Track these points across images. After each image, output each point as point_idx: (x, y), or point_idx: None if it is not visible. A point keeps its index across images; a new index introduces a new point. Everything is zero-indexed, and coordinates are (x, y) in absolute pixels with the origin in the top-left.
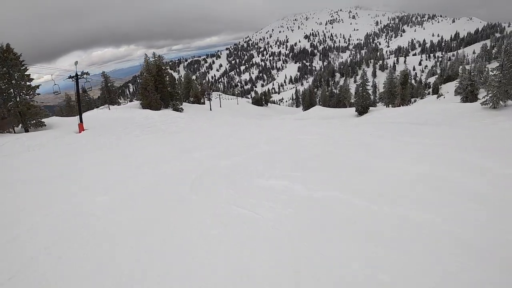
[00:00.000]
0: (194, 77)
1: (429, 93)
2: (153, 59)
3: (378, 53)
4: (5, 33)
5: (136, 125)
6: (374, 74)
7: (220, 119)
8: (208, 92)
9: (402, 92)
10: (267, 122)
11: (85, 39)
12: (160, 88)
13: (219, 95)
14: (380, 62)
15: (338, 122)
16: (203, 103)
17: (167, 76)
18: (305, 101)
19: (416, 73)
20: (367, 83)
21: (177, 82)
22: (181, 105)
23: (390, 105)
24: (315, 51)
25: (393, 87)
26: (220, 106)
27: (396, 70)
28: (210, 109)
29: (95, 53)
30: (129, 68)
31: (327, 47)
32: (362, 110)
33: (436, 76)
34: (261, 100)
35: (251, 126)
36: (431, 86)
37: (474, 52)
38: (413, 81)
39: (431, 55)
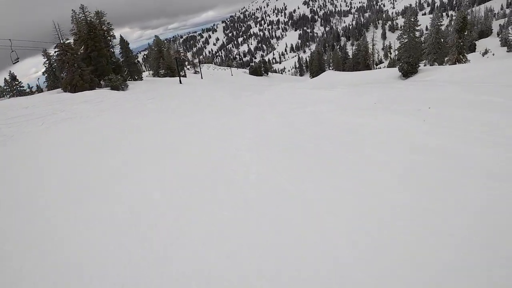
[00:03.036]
0: (177, 46)
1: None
2: (83, 14)
3: (384, 15)
4: None
5: None
6: (384, 36)
7: (181, 100)
8: (192, 62)
9: (460, 43)
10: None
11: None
12: (95, 57)
13: (208, 66)
14: (389, 23)
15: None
16: (183, 75)
17: (112, 39)
18: (313, 66)
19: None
20: (415, 29)
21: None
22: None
23: (435, 63)
24: (316, 17)
25: (441, 37)
26: (202, 78)
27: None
28: (180, 82)
29: None
30: None
31: (328, 12)
32: (409, 69)
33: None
34: (260, 70)
35: (226, 113)
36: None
37: (491, 10)
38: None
39: (444, 14)
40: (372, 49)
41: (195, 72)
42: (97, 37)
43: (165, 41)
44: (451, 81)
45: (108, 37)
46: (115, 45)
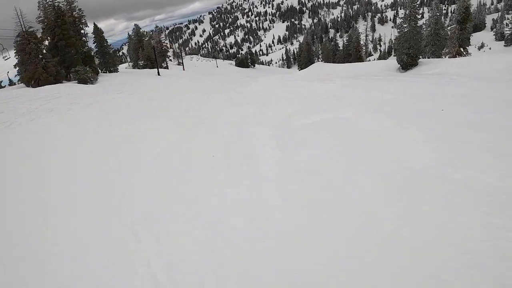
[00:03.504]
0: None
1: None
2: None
3: (373, 7)
4: None
5: None
6: (373, 29)
7: (149, 95)
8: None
9: (461, 34)
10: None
11: None
12: (63, 47)
13: (192, 57)
14: (379, 15)
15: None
16: (165, 67)
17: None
18: (302, 57)
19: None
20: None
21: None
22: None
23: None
24: (304, 8)
25: (441, 28)
26: (184, 69)
27: (397, 23)
28: (158, 74)
29: None
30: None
31: (316, 3)
32: (409, 61)
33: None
34: (246, 61)
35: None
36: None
37: (484, 3)
38: None
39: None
40: (366, 40)
41: (179, 64)
42: (65, 25)
43: (146, 32)
44: (462, 74)
45: (80, 25)
46: (88, 34)
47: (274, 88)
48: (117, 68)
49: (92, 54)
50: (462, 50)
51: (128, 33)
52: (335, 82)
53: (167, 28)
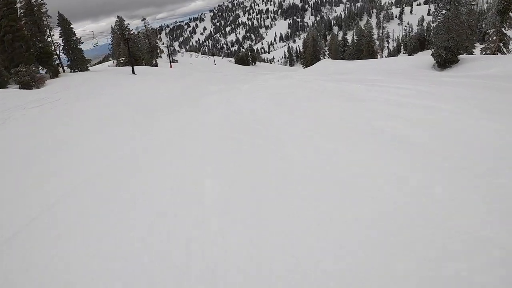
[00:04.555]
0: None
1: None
2: None
3: (377, 4)
4: None
5: None
6: (378, 26)
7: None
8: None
9: (501, 27)
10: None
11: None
12: (10, 42)
13: (191, 55)
14: (384, 12)
15: None
16: (155, 64)
17: (47, 18)
18: (307, 54)
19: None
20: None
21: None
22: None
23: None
24: (306, 6)
25: (474, 19)
26: (171, 67)
27: (403, 20)
28: (133, 73)
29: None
30: None
31: (319, 1)
32: (448, 58)
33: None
34: (247, 58)
35: None
36: None
37: None
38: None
39: (440, 4)
40: (382, 33)
41: (172, 61)
42: (13, 14)
43: (128, 27)
44: None
45: (40, 15)
46: (52, 27)
47: (299, 98)
48: (87, 67)
49: (52, 50)
50: (502, 46)
51: (112, 26)
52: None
53: (168, 26)
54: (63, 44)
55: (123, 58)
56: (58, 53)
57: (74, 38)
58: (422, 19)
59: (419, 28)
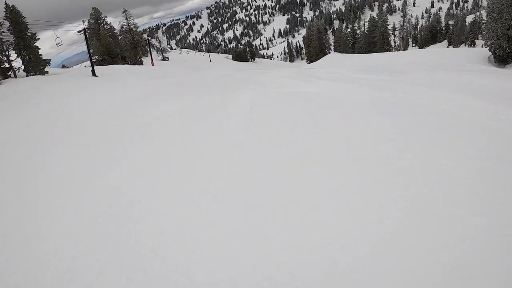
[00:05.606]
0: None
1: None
2: None
3: None
4: None
5: None
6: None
7: None
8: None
9: None
10: None
11: (53, 17)
12: None
13: (188, 51)
14: (386, 4)
15: None
16: (140, 62)
17: None
18: (312, 48)
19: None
20: None
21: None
22: None
23: None
24: (305, 0)
25: None
26: (153, 65)
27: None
28: (94, 75)
29: (72, 32)
30: None
31: None
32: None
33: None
34: (245, 54)
35: None
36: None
37: None
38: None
39: None
40: (403, 21)
41: (164, 59)
42: None
43: (106, 22)
44: None
45: None
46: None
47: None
48: (43, 68)
49: None
50: None
51: (86, 20)
52: None
53: (165, 25)
54: (14, 40)
55: (96, 56)
56: (7, 53)
57: (29, 34)
58: (425, 11)
59: (423, 20)
